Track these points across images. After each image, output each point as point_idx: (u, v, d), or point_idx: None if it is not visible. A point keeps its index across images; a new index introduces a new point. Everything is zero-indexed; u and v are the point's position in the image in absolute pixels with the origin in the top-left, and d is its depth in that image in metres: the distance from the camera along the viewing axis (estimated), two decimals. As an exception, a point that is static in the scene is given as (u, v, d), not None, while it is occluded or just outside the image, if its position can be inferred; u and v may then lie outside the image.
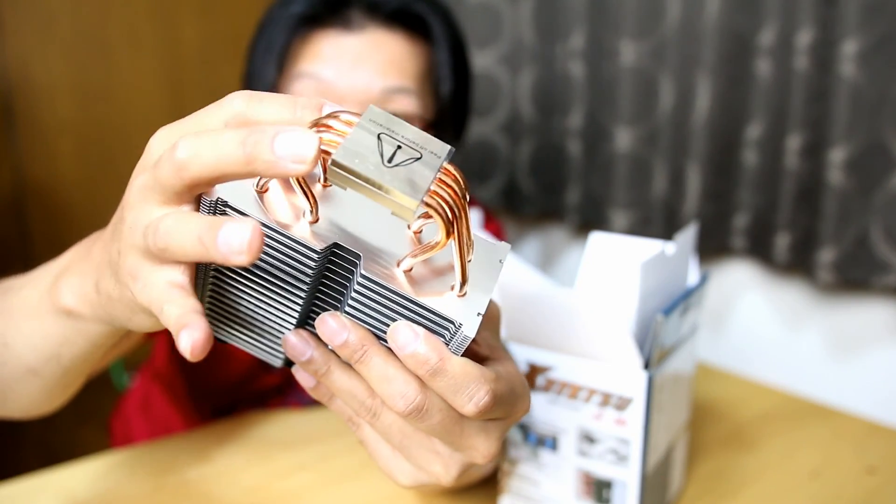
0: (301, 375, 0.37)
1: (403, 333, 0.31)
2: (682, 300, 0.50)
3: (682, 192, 1.00)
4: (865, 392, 0.93)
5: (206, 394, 0.79)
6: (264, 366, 0.75)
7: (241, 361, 0.74)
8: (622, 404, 0.48)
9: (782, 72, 0.89)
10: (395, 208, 0.28)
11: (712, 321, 1.07)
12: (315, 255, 0.31)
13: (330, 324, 0.32)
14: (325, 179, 0.32)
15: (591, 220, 1.12)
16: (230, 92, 0.32)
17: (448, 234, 0.30)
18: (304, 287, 0.33)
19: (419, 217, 0.33)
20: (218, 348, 0.75)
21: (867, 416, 0.75)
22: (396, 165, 0.29)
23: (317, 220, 0.31)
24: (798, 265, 0.92)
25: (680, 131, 0.99)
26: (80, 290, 0.38)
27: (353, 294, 0.32)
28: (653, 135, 1.02)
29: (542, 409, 0.51)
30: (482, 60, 1.18)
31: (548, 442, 0.51)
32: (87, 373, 0.49)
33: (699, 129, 0.95)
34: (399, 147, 0.29)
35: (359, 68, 0.66)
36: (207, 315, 0.37)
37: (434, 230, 0.34)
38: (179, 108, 1.29)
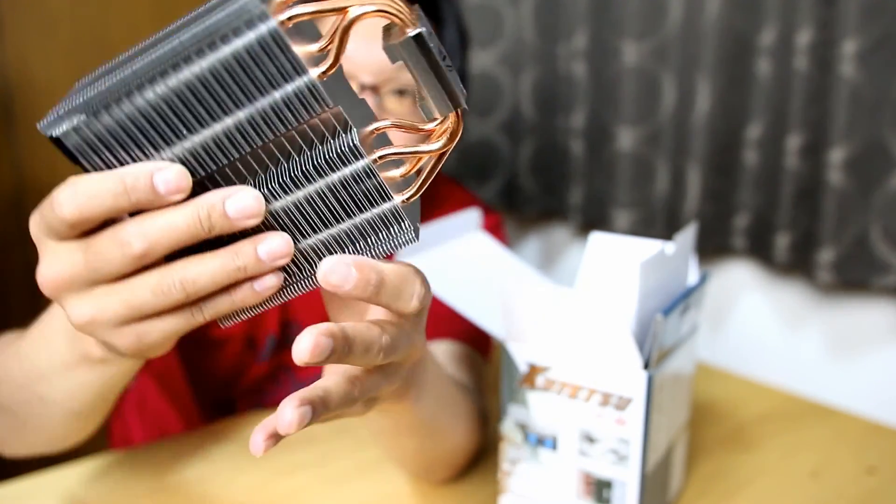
0: None
1: (337, 271, 0.31)
2: (681, 300, 0.50)
3: (683, 192, 1.00)
4: (865, 392, 0.93)
5: (200, 387, 0.80)
6: (254, 353, 0.75)
7: (231, 344, 0.74)
8: (622, 404, 0.48)
9: (782, 72, 0.89)
10: (433, 106, 0.30)
11: (712, 321, 1.07)
12: (322, 105, 0.30)
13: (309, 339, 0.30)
14: (385, 40, 0.31)
15: (593, 219, 1.12)
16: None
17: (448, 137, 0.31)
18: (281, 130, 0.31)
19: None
20: (207, 337, 0.75)
21: (867, 416, 0.75)
22: (449, 67, 0.30)
23: (333, 68, 0.30)
24: (798, 265, 0.92)
25: (680, 131, 0.99)
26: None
27: (310, 165, 0.31)
28: (654, 135, 1.02)
29: (542, 409, 0.51)
30: (483, 60, 1.18)
31: (548, 442, 0.51)
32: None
33: (699, 129, 0.95)
34: (444, 56, 0.30)
35: (374, 42, 0.67)
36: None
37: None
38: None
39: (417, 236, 0.33)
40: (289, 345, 0.76)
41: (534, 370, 0.50)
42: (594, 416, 0.49)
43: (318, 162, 0.31)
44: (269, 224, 0.33)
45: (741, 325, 1.04)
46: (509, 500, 0.54)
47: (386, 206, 0.32)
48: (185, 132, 0.30)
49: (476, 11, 1.17)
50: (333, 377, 0.33)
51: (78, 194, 0.30)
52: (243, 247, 0.32)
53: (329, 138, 0.31)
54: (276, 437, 0.30)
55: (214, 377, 0.78)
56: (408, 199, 0.33)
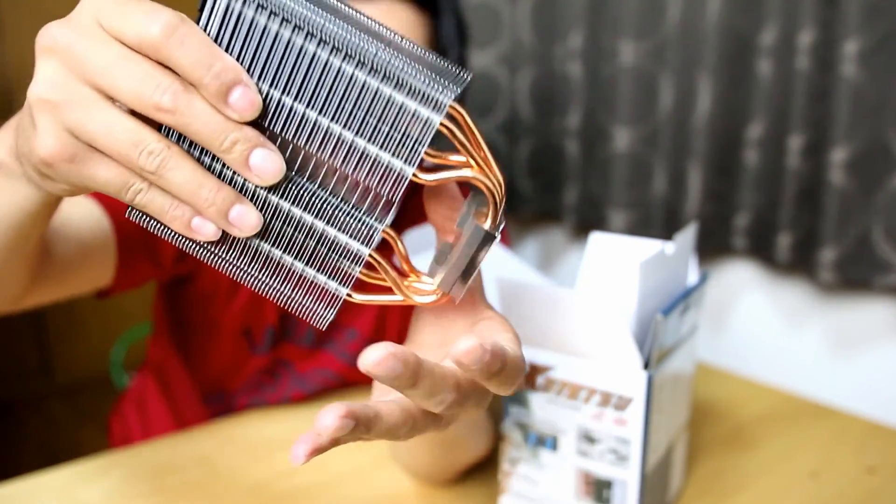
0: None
1: (472, 353, 0.28)
2: (681, 300, 0.50)
3: (683, 192, 1.00)
4: (866, 392, 0.93)
5: (199, 382, 0.80)
6: (252, 344, 0.75)
7: (228, 334, 0.74)
8: (622, 404, 0.48)
9: (783, 72, 0.89)
10: (441, 275, 0.34)
11: (712, 321, 1.07)
12: (391, 193, 0.32)
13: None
14: None
15: (589, 220, 1.12)
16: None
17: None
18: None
19: None
20: (204, 325, 0.75)
21: (867, 416, 0.75)
22: (477, 269, 0.35)
23: None
24: (799, 265, 0.92)
25: (680, 131, 0.99)
26: (9, 143, 0.37)
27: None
28: (652, 135, 1.02)
29: (542, 409, 0.51)
30: (481, 60, 1.18)
31: (548, 442, 0.51)
32: (23, 262, 0.46)
33: (700, 128, 0.95)
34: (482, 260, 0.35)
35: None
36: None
37: None
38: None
39: (323, 327, 0.35)
40: (288, 337, 0.76)
41: (534, 370, 0.50)
42: (594, 416, 0.49)
43: (334, 213, 0.32)
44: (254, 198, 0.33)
45: (741, 325, 1.04)
46: (509, 500, 0.54)
47: (334, 286, 0.33)
48: (293, 92, 0.30)
49: (474, 11, 1.17)
50: (391, 404, 0.31)
51: (175, 29, 0.28)
52: (225, 192, 0.31)
53: (362, 206, 0.32)
54: (319, 451, 0.28)
55: (213, 370, 0.78)
56: (353, 298, 0.34)
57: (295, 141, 0.31)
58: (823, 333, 0.96)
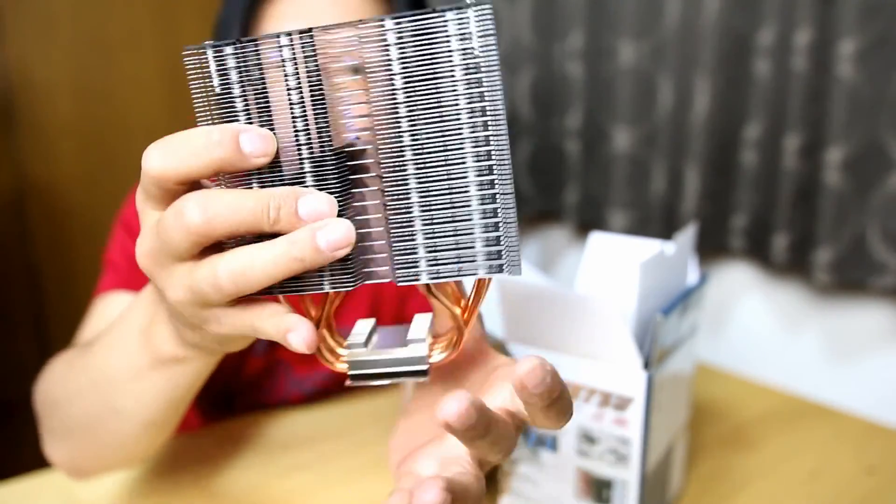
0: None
1: (537, 374, 0.28)
2: (681, 300, 0.50)
3: (681, 193, 1.00)
4: (863, 393, 0.93)
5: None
6: (250, 346, 0.75)
7: None
8: (622, 404, 0.48)
9: (780, 72, 0.89)
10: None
11: (712, 321, 1.07)
12: None
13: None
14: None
15: (589, 220, 1.12)
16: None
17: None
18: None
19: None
20: None
21: (866, 416, 0.75)
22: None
23: None
24: (795, 266, 0.92)
25: (679, 131, 0.99)
26: (176, 335, 0.38)
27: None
28: (651, 135, 1.02)
29: (542, 409, 0.51)
30: (482, 61, 1.18)
31: (548, 442, 0.51)
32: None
33: (698, 129, 0.95)
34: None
35: (321, 22, 0.66)
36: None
37: None
38: (179, 108, 1.29)
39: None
40: None
41: (534, 370, 0.50)
42: (594, 415, 0.49)
43: None
44: None
45: (741, 325, 1.04)
46: (509, 500, 0.54)
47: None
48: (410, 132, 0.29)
49: (475, 12, 1.17)
50: (465, 467, 0.31)
51: (165, 150, 0.30)
52: (300, 234, 0.30)
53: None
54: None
55: (212, 371, 0.78)
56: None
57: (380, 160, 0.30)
58: (820, 335, 0.96)
